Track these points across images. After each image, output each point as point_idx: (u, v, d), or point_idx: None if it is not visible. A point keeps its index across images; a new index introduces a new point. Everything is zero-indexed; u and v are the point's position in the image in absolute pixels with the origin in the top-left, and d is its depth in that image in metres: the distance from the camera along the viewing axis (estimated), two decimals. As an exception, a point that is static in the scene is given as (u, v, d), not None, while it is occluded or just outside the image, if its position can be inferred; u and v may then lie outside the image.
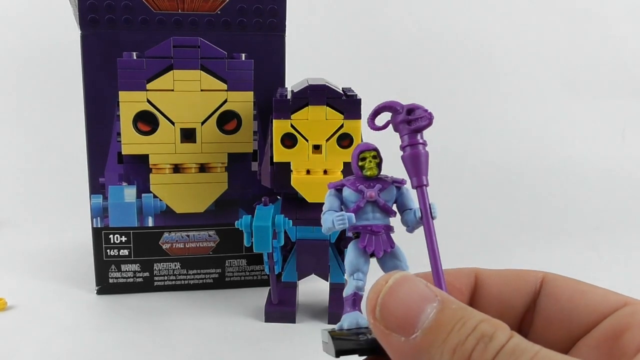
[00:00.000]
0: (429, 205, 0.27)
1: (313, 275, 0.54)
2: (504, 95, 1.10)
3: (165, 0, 0.54)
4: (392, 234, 0.29)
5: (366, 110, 0.51)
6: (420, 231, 0.28)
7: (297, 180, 0.51)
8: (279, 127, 0.51)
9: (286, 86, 0.58)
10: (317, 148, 0.51)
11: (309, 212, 0.52)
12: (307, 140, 0.51)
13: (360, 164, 0.29)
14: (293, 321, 0.54)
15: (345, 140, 0.51)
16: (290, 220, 0.50)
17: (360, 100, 0.51)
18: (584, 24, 1.13)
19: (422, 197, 0.27)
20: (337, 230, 0.29)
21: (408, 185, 0.29)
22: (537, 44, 1.13)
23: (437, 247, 0.26)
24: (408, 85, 1.08)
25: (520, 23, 1.13)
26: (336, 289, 0.54)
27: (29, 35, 1.03)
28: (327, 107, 0.50)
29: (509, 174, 0.98)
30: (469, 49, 1.11)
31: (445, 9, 1.12)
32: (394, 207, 0.29)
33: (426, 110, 0.27)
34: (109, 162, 0.56)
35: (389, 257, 0.29)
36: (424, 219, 0.27)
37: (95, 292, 0.59)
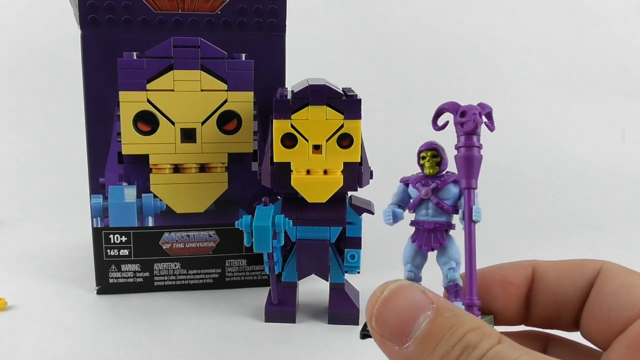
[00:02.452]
0: (472, 208, 0.28)
1: (313, 275, 0.54)
2: (504, 95, 1.10)
3: (165, 0, 0.54)
4: (449, 231, 0.30)
5: (366, 110, 0.51)
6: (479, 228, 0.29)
7: (297, 180, 0.51)
8: (279, 127, 0.51)
9: (286, 86, 0.58)
10: (317, 148, 0.51)
11: (309, 212, 0.52)
12: (307, 141, 0.51)
13: (421, 162, 0.30)
14: (293, 321, 0.54)
15: (345, 140, 0.51)
16: (290, 220, 0.50)
17: (360, 100, 0.51)
18: (584, 24, 1.14)
19: (468, 200, 0.28)
20: (385, 223, 0.31)
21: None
22: (538, 44, 1.13)
23: (474, 249, 0.27)
24: (408, 85, 1.08)
25: (520, 23, 1.13)
26: (336, 289, 0.54)
27: (29, 35, 1.03)
28: (327, 107, 0.50)
29: (509, 174, 0.98)
30: (469, 48, 1.11)
31: (445, 9, 1.12)
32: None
33: (474, 114, 0.28)
34: (109, 162, 0.56)
35: (440, 253, 0.31)
36: (466, 221, 0.28)
37: (95, 292, 0.59)
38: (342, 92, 0.51)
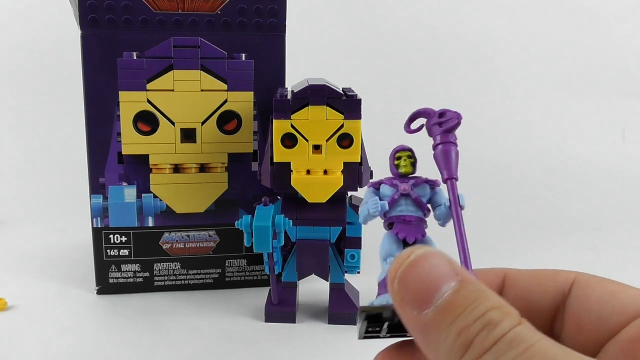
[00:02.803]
0: (457, 195, 0.29)
1: (313, 275, 0.54)
2: (504, 95, 1.10)
3: (165, 0, 0.54)
4: (425, 229, 0.31)
5: (366, 110, 0.51)
6: (450, 227, 0.29)
7: (297, 180, 0.51)
8: (279, 127, 0.51)
9: (286, 86, 0.58)
10: (317, 148, 0.51)
11: (309, 212, 0.52)
12: (307, 140, 0.51)
13: (396, 162, 0.32)
14: (293, 321, 0.54)
15: (345, 140, 0.51)
16: (290, 220, 0.50)
17: (360, 100, 0.51)
18: (584, 24, 1.13)
19: (452, 189, 0.29)
20: (371, 215, 0.31)
21: (442, 187, 0.31)
22: (538, 44, 1.13)
23: (464, 233, 0.28)
24: (408, 85, 1.08)
25: (520, 23, 1.13)
26: (336, 289, 0.54)
27: (29, 35, 1.03)
28: (327, 107, 0.50)
29: (509, 174, 0.98)
30: (469, 48, 1.11)
31: (445, 9, 1.12)
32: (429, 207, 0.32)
33: (455, 112, 0.29)
34: (109, 162, 0.56)
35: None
36: (453, 208, 0.29)
37: (95, 292, 0.59)
38: (342, 92, 0.51)
